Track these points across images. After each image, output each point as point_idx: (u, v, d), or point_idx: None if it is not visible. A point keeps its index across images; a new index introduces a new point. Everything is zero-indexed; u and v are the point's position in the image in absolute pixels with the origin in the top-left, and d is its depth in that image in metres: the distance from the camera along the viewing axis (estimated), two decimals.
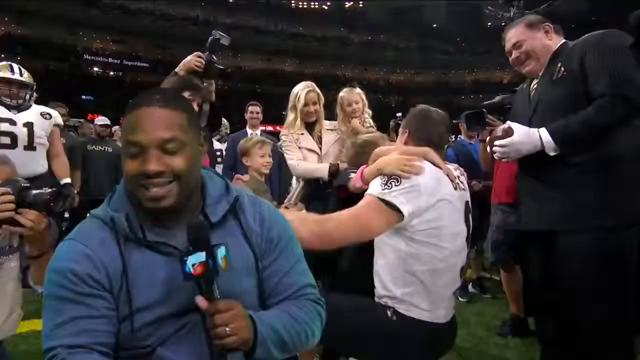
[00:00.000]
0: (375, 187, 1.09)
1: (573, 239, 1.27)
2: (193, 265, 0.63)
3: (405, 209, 1.04)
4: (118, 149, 4.01)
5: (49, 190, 1.03)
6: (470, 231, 1.21)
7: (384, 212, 1.05)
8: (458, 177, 1.22)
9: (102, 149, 3.80)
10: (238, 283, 0.73)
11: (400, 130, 1.31)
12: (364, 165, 1.25)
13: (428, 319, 1.09)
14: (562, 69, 1.32)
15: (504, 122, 1.80)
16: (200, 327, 0.69)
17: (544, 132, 1.28)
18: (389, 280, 1.11)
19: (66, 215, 3.50)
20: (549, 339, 1.46)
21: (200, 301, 0.64)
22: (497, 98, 2.01)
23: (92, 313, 0.67)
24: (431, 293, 1.09)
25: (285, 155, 2.06)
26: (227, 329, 0.62)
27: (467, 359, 1.85)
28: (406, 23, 28.24)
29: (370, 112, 2.22)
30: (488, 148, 1.50)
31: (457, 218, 1.14)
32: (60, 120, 2.57)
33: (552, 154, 1.28)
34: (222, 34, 1.83)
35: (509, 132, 1.33)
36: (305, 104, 1.99)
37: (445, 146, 3.25)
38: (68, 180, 2.59)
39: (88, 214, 0.76)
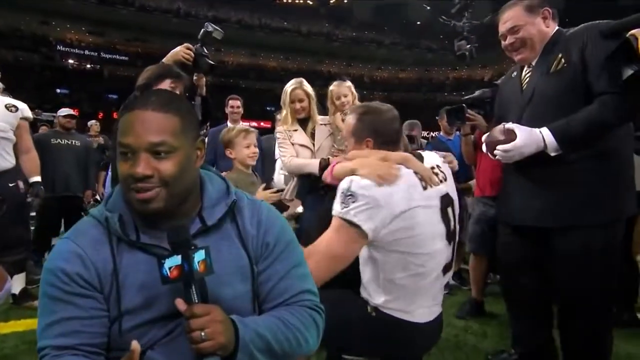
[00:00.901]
0: (336, 207, 1.06)
1: (567, 235, 1.27)
2: (170, 268, 0.63)
3: (367, 227, 1.01)
4: (87, 142, 3.80)
5: None
6: (455, 223, 1.16)
7: (352, 233, 1.02)
8: (436, 166, 1.17)
9: (69, 142, 3.50)
10: (231, 287, 0.72)
11: (354, 137, 1.19)
12: (335, 162, 1.22)
13: (409, 318, 1.08)
14: (563, 60, 1.26)
15: (485, 115, 1.81)
16: None
17: (546, 133, 1.24)
18: (372, 289, 1.09)
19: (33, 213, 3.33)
20: (523, 334, 1.51)
21: (180, 304, 0.64)
22: (477, 92, 2.03)
23: (82, 314, 0.67)
24: (414, 295, 1.08)
25: (279, 151, 2.04)
26: (202, 333, 0.61)
27: (445, 349, 1.88)
28: (391, 20, 28.39)
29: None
30: (484, 147, 1.46)
31: (432, 220, 1.08)
32: (28, 114, 2.44)
33: (553, 154, 1.25)
34: (215, 27, 1.78)
35: (511, 135, 1.28)
36: (292, 101, 1.99)
37: (426, 142, 3.29)
38: (38, 178, 2.46)
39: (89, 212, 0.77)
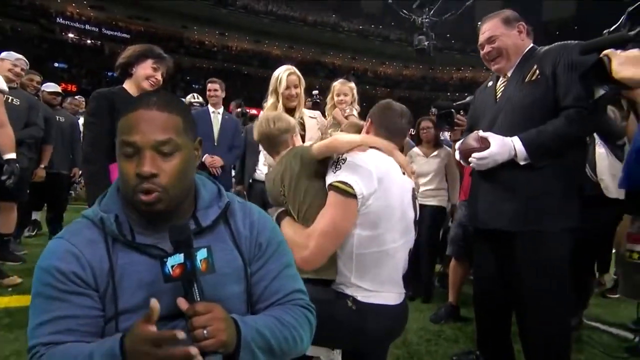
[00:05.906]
0: (329, 177, 1.11)
1: (531, 240, 1.31)
2: (172, 266, 0.64)
3: (358, 188, 1.05)
4: (72, 120, 3.73)
5: None
6: (417, 217, 1.24)
7: (347, 204, 1.06)
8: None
9: (55, 119, 3.38)
10: (225, 288, 0.73)
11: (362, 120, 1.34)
12: None
13: (382, 301, 1.11)
14: (537, 71, 1.33)
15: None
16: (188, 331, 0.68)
17: (517, 142, 1.30)
18: (342, 265, 1.11)
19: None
20: (487, 338, 1.56)
21: (182, 303, 0.64)
22: (468, 98, 2.01)
23: (77, 312, 0.66)
24: (381, 275, 1.11)
25: None
26: (205, 331, 0.61)
27: (415, 354, 1.86)
28: (398, 15, 28.05)
29: (359, 108, 2.30)
30: (457, 155, 1.50)
31: (406, 201, 1.16)
32: (3, 86, 2.35)
33: (522, 163, 1.30)
34: None
35: (485, 143, 1.34)
36: (287, 87, 1.96)
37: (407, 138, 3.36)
38: (13, 155, 2.38)
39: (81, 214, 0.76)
